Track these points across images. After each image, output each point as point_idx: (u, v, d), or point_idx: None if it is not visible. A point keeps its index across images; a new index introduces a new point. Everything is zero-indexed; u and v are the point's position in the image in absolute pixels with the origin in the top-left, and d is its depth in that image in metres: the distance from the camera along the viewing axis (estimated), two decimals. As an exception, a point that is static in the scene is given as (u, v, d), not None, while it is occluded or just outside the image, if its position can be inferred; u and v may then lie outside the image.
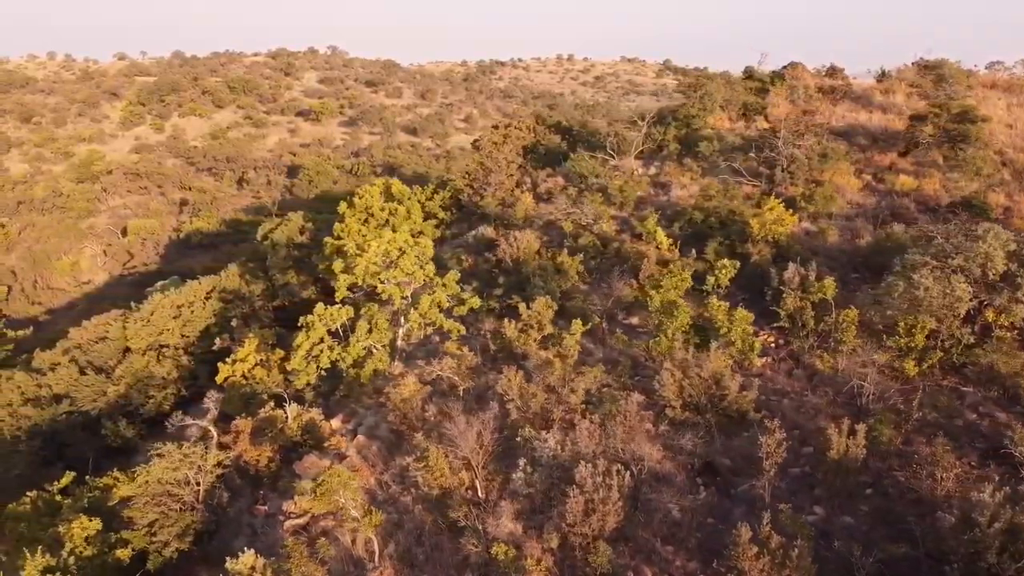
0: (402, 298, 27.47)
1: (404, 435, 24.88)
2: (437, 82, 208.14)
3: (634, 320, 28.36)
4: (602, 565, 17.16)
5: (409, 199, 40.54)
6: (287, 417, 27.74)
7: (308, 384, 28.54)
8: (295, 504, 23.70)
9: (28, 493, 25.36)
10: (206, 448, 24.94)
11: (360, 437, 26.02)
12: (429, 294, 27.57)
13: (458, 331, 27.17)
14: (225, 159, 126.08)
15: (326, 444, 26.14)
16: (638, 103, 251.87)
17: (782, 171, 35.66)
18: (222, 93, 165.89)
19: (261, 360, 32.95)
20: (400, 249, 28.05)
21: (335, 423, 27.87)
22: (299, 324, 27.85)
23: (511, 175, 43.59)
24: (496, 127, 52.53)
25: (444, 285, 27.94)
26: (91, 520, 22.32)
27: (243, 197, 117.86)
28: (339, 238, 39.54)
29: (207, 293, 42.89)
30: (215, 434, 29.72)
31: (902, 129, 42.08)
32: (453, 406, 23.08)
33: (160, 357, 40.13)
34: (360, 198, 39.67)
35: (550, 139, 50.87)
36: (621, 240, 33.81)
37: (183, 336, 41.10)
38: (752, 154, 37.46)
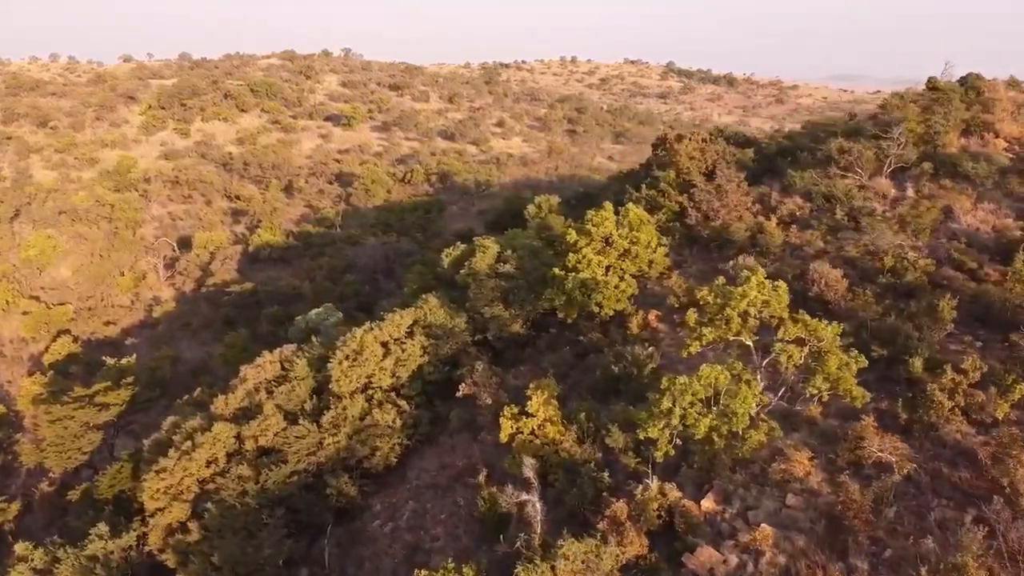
0: (804, 358, 23.18)
1: (851, 529, 20.64)
2: (460, 85, 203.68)
3: (1045, 378, 24.34)
4: None
5: (646, 224, 36.27)
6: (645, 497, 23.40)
7: (666, 456, 24.13)
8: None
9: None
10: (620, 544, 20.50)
11: (766, 527, 21.74)
12: (817, 351, 23.34)
13: (864, 398, 22.95)
14: (271, 166, 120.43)
15: (728, 536, 21.84)
16: (646, 105, 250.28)
17: (1101, 198, 31.98)
18: (245, 97, 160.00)
19: (550, 416, 28.55)
20: (772, 294, 23.87)
21: (706, 504, 23.55)
22: (662, 386, 23.38)
23: (745, 195, 39.52)
24: (678, 139, 48.29)
25: (810, 330, 23.67)
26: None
27: (295, 206, 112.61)
28: (575, 269, 35.34)
29: (408, 328, 38.28)
30: (538, 510, 25.39)
31: None
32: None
33: (374, 402, 35.49)
34: (596, 226, 35.36)
35: (743, 154, 46.91)
36: (949, 277, 29.88)
37: (394, 377, 36.51)
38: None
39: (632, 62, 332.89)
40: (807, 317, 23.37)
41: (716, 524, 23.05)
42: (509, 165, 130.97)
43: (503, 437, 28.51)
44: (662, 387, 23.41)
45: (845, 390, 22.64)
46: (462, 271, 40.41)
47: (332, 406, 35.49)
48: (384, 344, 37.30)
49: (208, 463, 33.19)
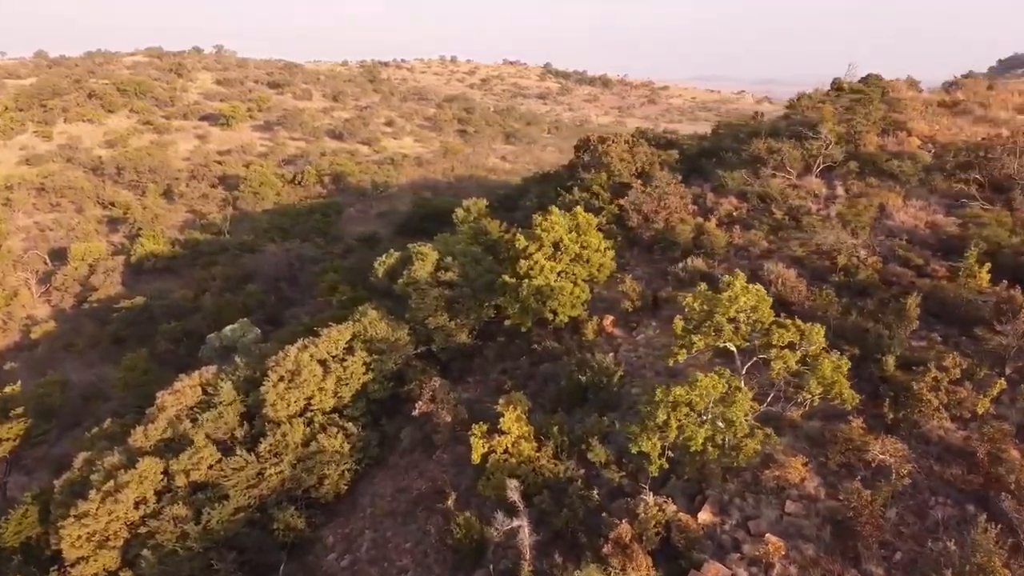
0: (796, 363, 22.87)
1: (860, 534, 20.44)
2: (343, 83, 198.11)
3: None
4: None
5: (593, 228, 35.55)
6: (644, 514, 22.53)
7: (661, 470, 23.33)
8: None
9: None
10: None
11: (774, 538, 21.31)
12: (807, 355, 23.16)
13: (853, 400, 22.93)
14: (147, 170, 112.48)
15: (739, 550, 21.26)
16: (527, 105, 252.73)
17: (1020, 192, 33.85)
18: (112, 96, 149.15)
19: (524, 433, 27.26)
20: (760, 299, 23.54)
21: (703, 517, 22.91)
22: (655, 398, 22.54)
23: (683, 196, 39.44)
24: (602, 140, 48.01)
25: (804, 334, 23.52)
26: None
27: (177, 212, 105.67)
28: (527, 276, 34.20)
29: (347, 343, 35.97)
30: (527, 535, 24.04)
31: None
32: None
33: (316, 425, 33.04)
34: (545, 231, 34.32)
35: (667, 155, 47.10)
36: (897, 274, 30.68)
37: (336, 397, 34.16)
38: (976, 175, 35.47)
39: (511, 63, 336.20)
40: (799, 321, 23.13)
41: (716, 537, 22.44)
42: (405, 165, 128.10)
43: (475, 457, 26.95)
44: (656, 399, 22.58)
45: (837, 393, 22.53)
46: (400, 280, 38.35)
47: (269, 432, 32.77)
48: (323, 362, 34.86)
49: (137, 504, 29.86)
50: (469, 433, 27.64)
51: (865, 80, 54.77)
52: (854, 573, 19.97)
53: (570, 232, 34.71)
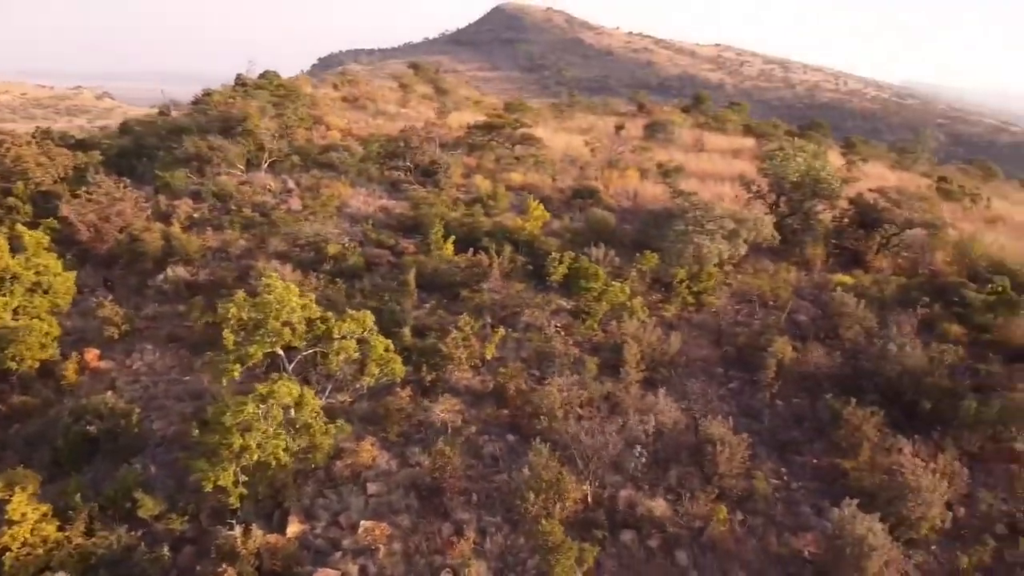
0: (354, 350, 23.05)
1: (443, 490, 22.53)
2: None
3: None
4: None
5: (43, 248, 29.61)
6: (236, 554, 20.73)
7: (240, 498, 21.51)
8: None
9: None
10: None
11: (368, 523, 21.94)
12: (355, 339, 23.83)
13: (403, 372, 24.57)
14: None
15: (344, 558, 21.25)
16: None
17: (443, 175, 40.32)
18: None
19: (44, 513, 21.87)
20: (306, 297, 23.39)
21: (292, 530, 22.05)
22: (224, 424, 20.44)
23: (136, 202, 35.11)
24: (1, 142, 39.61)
25: (357, 322, 24.32)
26: None
27: None
28: (-35, 322, 27.05)
29: None
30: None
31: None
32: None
33: None
34: (-22, 259, 27.38)
35: (90, 157, 41.56)
36: (376, 254, 33.59)
37: None
38: (405, 162, 40.66)
39: None
40: (352, 312, 23.87)
41: (312, 544, 21.89)
42: None
43: (-19, 566, 20.63)
44: (226, 425, 20.80)
45: (390, 370, 24.18)
46: None
47: None
48: None
49: None
50: (-44, 539, 20.94)
51: (264, 75, 56.83)
52: (448, 525, 22.07)
53: (15, 256, 28.33)
